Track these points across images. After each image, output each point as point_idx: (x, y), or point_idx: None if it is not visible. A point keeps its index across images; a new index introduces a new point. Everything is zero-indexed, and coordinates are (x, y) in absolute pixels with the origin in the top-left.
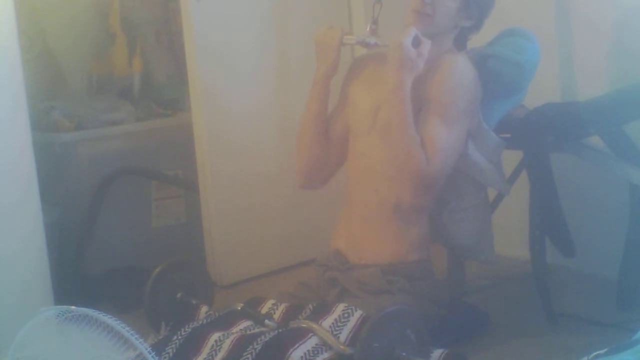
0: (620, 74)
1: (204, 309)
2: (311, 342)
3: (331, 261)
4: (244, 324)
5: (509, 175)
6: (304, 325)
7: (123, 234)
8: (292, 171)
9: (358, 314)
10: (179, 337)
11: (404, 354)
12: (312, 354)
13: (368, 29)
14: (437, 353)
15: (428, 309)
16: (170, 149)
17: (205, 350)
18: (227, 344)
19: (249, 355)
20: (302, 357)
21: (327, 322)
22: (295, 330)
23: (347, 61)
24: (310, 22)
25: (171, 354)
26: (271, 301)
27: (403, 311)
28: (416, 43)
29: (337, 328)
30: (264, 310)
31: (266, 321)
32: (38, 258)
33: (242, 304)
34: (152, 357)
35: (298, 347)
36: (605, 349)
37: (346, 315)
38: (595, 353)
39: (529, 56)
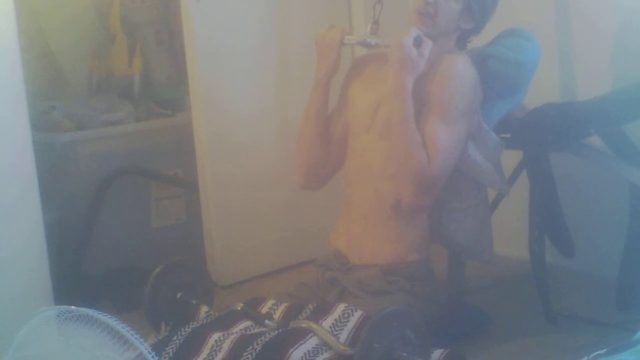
0: (620, 74)
1: (204, 309)
2: (311, 342)
3: (331, 261)
4: (244, 324)
5: (509, 175)
6: (304, 326)
7: (123, 234)
8: (292, 171)
9: (358, 314)
10: (179, 337)
11: (404, 354)
12: (312, 354)
13: (369, 29)
14: (437, 353)
15: (428, 309)
16: (170, 149)
17: (205, 351)
18: (227, 344)
19: (249, 356)
20: (302, 357)
21: (327, 322)
22: (295, 330)
23: (347, 61)
24: (310, 22)
25: (171, 354)
26: (271, 301)
27: (403, 311)
28: (417, 43)
29: (337, 328)
30: (264, 310)
31: (266, 321)
32: (38, 258)
33: (242, 304)
34: (152, 357)
35: (298, 347)
36: (605, 349)
37: (346, 315)
38: (595, 353)
39: (529, 56)
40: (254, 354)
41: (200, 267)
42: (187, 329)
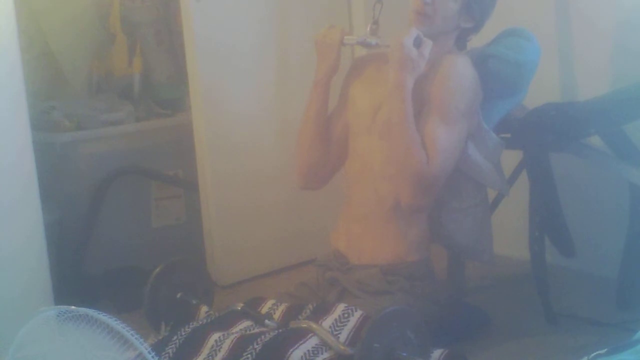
0: (620, 74)
1: (204, 309)
2: (311, 342)
3: (331, 261)
4: (244, 324)
5: (509, 175)
6: (304, 325)
7: (123, 234)
8: (292, 171)
9: (358, 314)
10: (179, 337)
11: (404, 354)
12: (312, 354)
13: (369, 29)
14: (437, 353)
15: (428, 309)
16: (170, 149)
17: (205, 351)
18: (227, 344)
19: (249, 355)
20: (302, 357)
21: (327, 322)
22: (295, 330)
23: (347, 61)
24: (310, 22)
25: (171, 354)
26: (271, 301)
27: (403, 311)
28: (417, 43)
29: (337, 328)
30: (264, 310)
31: (266, 321)
32: (38, 258)
33: (242, 304)
34: (152, 357)
35: (298, 347)
36: (605, 349)
37: (346, 315)
38: (595, 353)
39: (529, 56)
40: (254, 353)
41: (200, 267)
42: (187, 329)
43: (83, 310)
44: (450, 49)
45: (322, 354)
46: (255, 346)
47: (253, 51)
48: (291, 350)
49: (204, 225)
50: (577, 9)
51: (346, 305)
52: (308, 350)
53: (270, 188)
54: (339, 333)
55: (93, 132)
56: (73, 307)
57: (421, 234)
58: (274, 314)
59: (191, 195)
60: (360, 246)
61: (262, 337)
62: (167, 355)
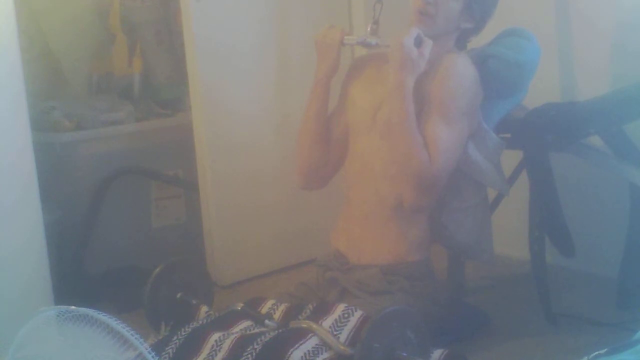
0: (620, 74)
1: (204, 309)
2: (311, 342)
3: (331, 261)
4: (244, 324)
5: (509, 175)
6: (304, 326)
7: (123, 234)
8: (292, 171)
9: (358, 314)
10: (179, 337)
11: (404, 354)
12: (312, 354)
13: (369, 29)
14: (437, 353)
15: (428, 309)
16: (170, 149)
17: (205, 351)
18: (227, 344)
19: (249, 356)
20: (302, 357)
21: (327, 322)
22: (295, 330)
23: (347, 61)
24: (310, 22)
25: (171, 354)
26: (271, 301)
27: (403, 311)
28: (418, 43)
29: (337, 328)
30: (264, 310)
31: (266, 321)
32: (38, 258)
33: (242, 304)
34: (152, 357)
35: (298, 347)
36: (605, 349)
37: (346, 315)
38: (595, 353)
39: (529, 56)
40: (254, 354)
41: (200, 267)
42: (187, 329)
43: (83, 310)
44: (451, 49)
45: (322, 354)
46: (255, 346)
47: (253, 51)
48: (291, 350)
49: (204, 225)
50: (577, 9)
51: (346, 305)
52: (308, 351)
53: (270, 188)
54: (339, 333)
55: (93, 132)
56: (73, 307)
57: (421, 234)
58: (274, 314)
59: (191, 195)
60: (361, 246)
61: (262, 337)
62: (167, 355)
